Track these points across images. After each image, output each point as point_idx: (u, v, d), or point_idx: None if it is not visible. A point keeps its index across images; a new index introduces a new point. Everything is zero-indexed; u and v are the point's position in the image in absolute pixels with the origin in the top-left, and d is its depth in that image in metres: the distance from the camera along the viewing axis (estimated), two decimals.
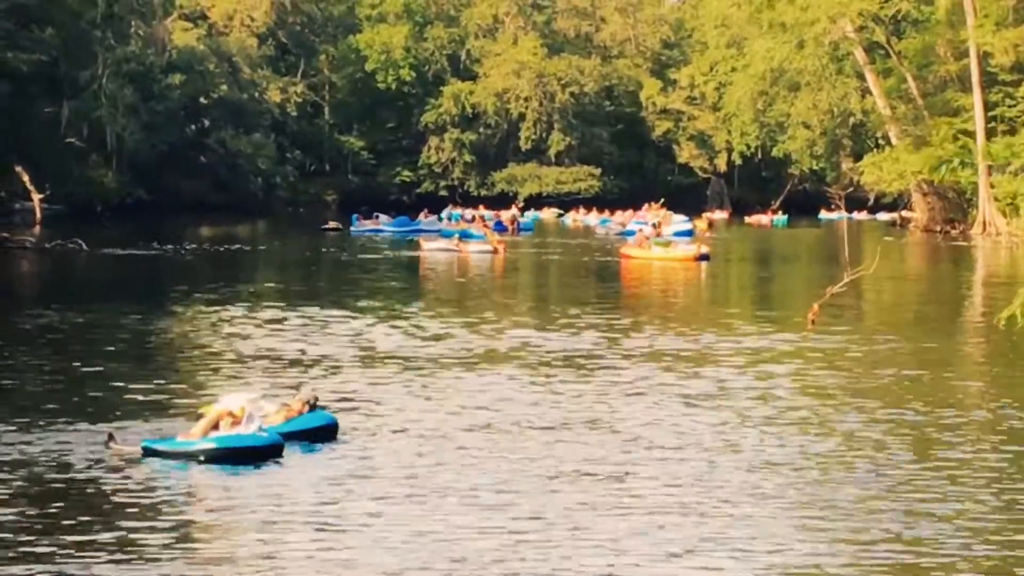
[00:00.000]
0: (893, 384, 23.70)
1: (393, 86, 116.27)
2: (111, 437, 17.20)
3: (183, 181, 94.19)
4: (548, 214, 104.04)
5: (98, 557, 12.84)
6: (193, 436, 17.03)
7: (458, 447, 17.82)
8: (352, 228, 75.83)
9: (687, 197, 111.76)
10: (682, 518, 14.49)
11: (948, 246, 69.73)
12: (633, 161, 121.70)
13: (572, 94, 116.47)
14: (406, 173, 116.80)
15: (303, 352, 26.26)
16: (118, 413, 19.51)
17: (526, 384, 22.90)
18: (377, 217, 79.94)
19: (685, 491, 15.63)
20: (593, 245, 68.09)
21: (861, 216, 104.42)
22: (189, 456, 16.74)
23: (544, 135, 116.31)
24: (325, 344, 27.50)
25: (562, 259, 58.10)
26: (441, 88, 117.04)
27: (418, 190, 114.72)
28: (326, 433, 18.06)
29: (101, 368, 24.26)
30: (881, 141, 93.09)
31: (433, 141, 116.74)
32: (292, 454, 17.13)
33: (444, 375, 23.76)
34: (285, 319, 31.94)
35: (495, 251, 57.69)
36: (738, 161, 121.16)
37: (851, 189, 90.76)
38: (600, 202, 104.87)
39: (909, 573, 12.90)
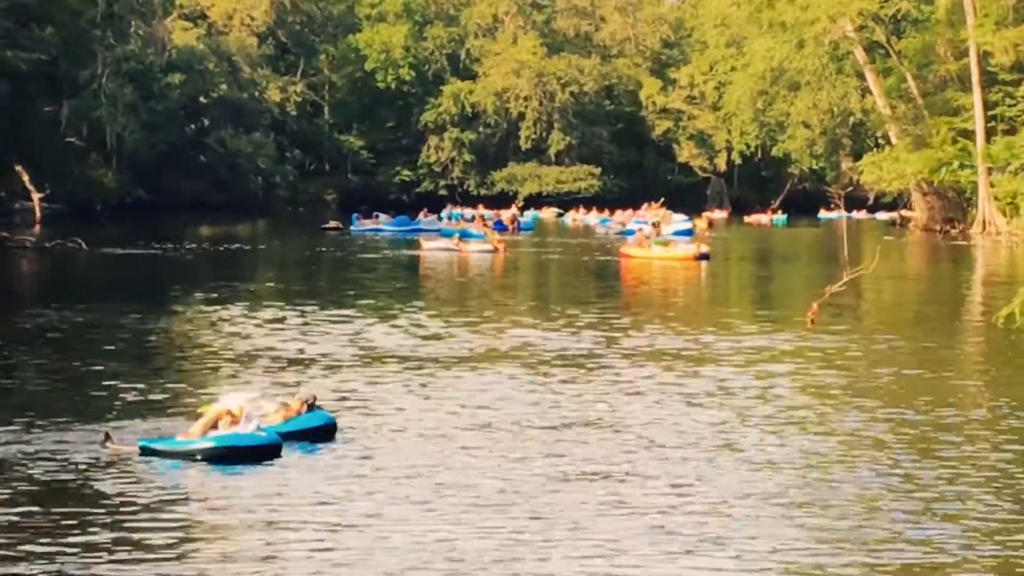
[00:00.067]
0: (893, 383, 23.69)
1: (393, 85, 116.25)
2: (107, 437, 17.19)
3: (183, 180, 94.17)
4: (548, 213, 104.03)
5: (95, 556, 12.83)
6: (191, 435, 17.02)
7: (458, 447, 17.82)
8: (352, 227, 75.82)
9: (687, 196, 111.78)
10: (682, 518, 14.49)
11: (948, 245, 69.73)
12: (633, 160, 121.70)
13: (572, 93, 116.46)
14: (406, 172, 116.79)
15: (302, 351, 26.25)
16: (117, 412, 19.51)
17: (526, 383, 22.90)
18: (377, 216, 79.93)
19: (685, 490, 15.62)
20: (593, 244, 68.09)
21: (860, 215, 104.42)
22: (187, 455, 16.73)
23: (544, 134, 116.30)
24: (324, 343, 27.50)
25: (562, 258, 58.10)
26: (441, 87, 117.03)
27: (418, 189, 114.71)
28: (325, 433, 18.04)
29: (100, 367, 24.25)
30: (881, 140, 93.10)
31: (433, 140, 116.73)
32: (290, 454, 17.12)
33: (444, 375, 23.75)
34: (285, 318, 31.94)
35: (495, 250, 57.69)
36: (738, 160, 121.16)
37: (851, 188, 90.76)
38: (600, 201, 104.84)
39: (909, 573, 12.89)
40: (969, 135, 75.50)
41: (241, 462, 16.61)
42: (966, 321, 36.08)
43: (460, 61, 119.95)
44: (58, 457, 16.71)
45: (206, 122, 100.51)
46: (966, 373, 25.90)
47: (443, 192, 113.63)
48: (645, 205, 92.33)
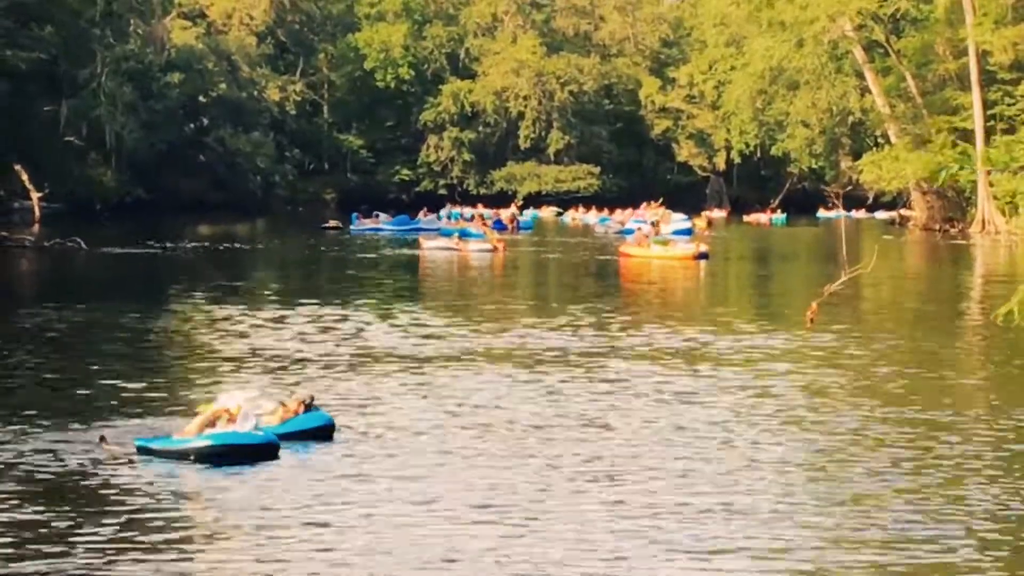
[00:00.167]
0: (892, 382, 23.69)
1: (392, 85, 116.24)
2: (103, 439, 17.19)
3: (182, 180, 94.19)
4: (547, 213, 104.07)
5: (92, 556, 12.81)
6: (187, 434, 16.99)
7: (456, 447, 17.80)
8: (352, 227, 75.85)
9: (686, 195, 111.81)
10: (681, 517, 14.47)
11: (947, 245, 69.75)
12: (632, 160, 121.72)
13: (571, 92, 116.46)
14: (405, 172, 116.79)
15: (301, 351, 26.24)
16: (115, 412, 19.49)
17: (524, 383, 22.88)
18: (377, 216, 79.94)
19: (683, 490, 15.61)
20: (592, 244, 68.10)
21: (859, 215, 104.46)
22: (184, 454, 16.68)
23: (543, 134, 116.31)
24: (323, 343, 27.49)
25: (561, 258, 58.11)
26: (440, 87, 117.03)
27: (417, 189, 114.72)
28: (322, 433, 18.01)
29: (99, 367, 24.24)
30: (880, 140, 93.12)
31: (432, 140, 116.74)
32: (288, 454, 17.09)
33: (442, 374, 23.74)
34: (284, 318, 31.92)
35: (495, 250, 57.69)
36: (737, 160, 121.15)
37: (850, 188, 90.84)
38: (599, 200, 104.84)
39: (908, 573, 12.89)
40: (968, 134, 75.52)
41: (238, 461, 16.58)
42: (965, 320, 36.09)
43: (459, 60, 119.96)
44: (56, 456, 16.70)
45: (205, 121, 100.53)
46: (965, 372, 25.90)
47: (442, 191, 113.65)
48: (644, 204, 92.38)
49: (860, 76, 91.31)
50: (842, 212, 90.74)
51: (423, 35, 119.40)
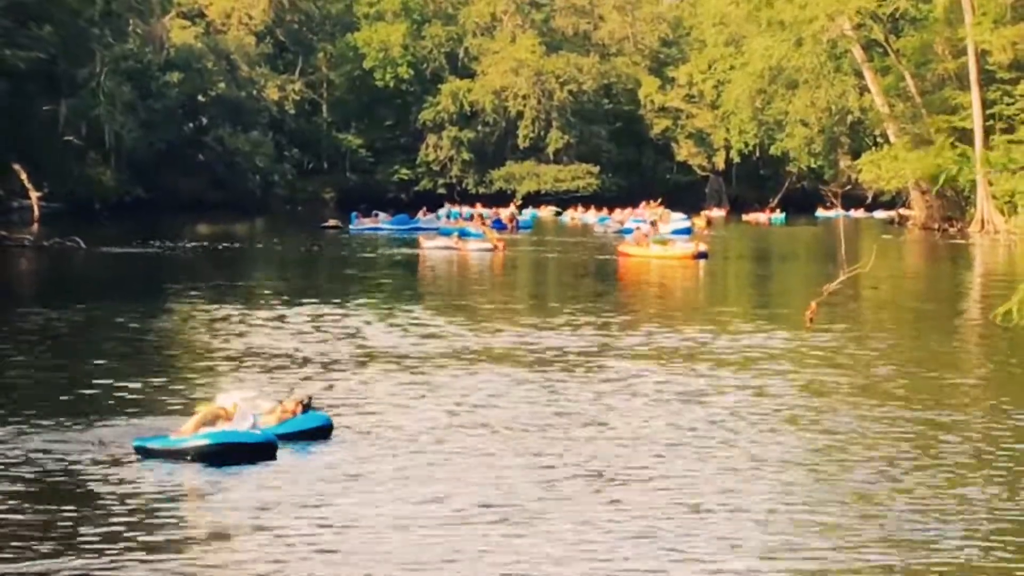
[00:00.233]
0: (891, 382, 23.69)
1: (391, 84, 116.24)
2: (101, 443, 17.19)
3: (181, 179, 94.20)
4: (546, 212, 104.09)
5: (90, 557, 12.80)
6: (184, 433, 16.97)
7: (455, 447, 17.79)
8: (351, 226, 75.88)
9: (685, 195, 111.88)
10: (679, 516, 14.46)
11: (946, 244, 69.77)
12: (631, 159, 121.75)
13: (570, 92, 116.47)
14: (404, 171, 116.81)
15: (300, 351, 26.23)
16: (114, 411, 19.47)
17: (523, 382, 22.88)
18: (376, 215, 79.96)
19: (682, 489, 15.60)
20: (591, 243, 68.12)
21: (858, 214, 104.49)
22: (181, 453, 16.65)
23: (542, 133, 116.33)
24: (322, 342, 27.49)
25: (561, 257, 58.11)
26: (439, 86, 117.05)
27: (416, 188, 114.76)
28: (320, 434, 18.00)
29: (98, 366, 24.23)
30: (879, 139, 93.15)
31: (431, 139, 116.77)
32: (286, 454, 17.07)
33: (441, 374, 23.73)
34: (283, 317, 31.92)
35: (494, 249, 57.70)
36: (736, 159, 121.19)
37: (849, 187, 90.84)
38: (598, 200, 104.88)
39: (908, 573, 12.89)
40: (967, 133, 75.52)
41: (236, 460, 16.56)
42: (964, 320, 36.09)
43: (458, 60, 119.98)
44: (54, 456, 16.68)
45: (204, 121, 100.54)
46: (965, 371, 25.90)
47: (441, 191, 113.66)
48: (643, 203, 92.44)
49: (859, 75, 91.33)
50: (840, 211, 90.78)
51: (422, 34, 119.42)
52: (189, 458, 16.55)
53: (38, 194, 73.97)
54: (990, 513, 14.74)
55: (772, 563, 12.97)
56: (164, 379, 23.00)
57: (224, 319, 31.44)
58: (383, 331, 29.65)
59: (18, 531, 13.61)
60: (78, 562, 12.65)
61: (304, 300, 35.96)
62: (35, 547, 13.06)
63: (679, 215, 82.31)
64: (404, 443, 17.92)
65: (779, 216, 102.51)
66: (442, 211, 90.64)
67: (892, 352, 27.73)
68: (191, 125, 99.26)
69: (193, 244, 61.33)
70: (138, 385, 22.08)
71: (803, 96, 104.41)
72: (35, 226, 67.69)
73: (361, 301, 36.56)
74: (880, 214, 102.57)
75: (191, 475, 16.25)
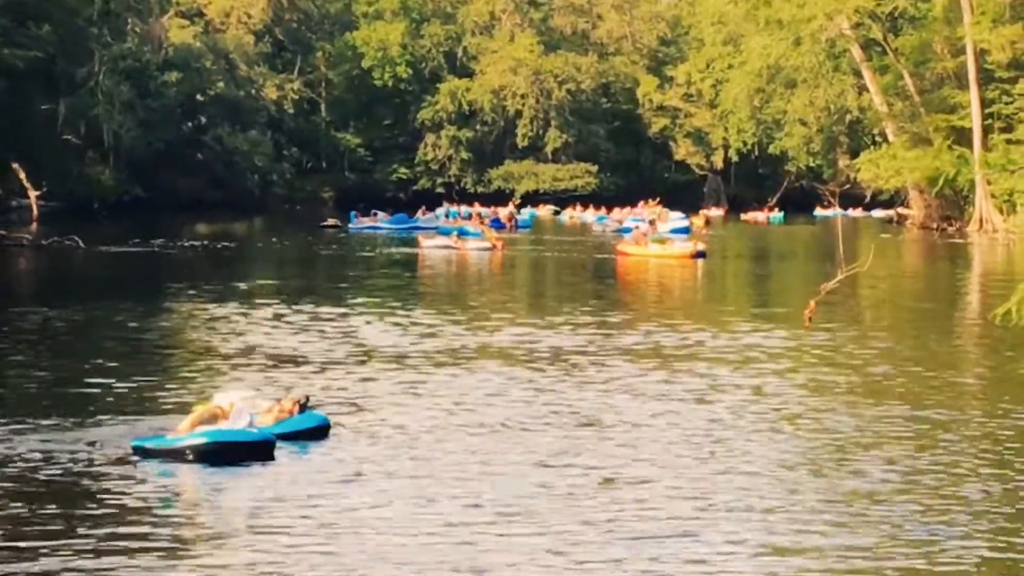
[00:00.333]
0: (890, 381, 23.69)
1: (390, 83, 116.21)
2: (99, 442, 17.18)
3: (180, 178, 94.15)
4: (544, 211, 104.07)
5: (86, 557, 12.78)
6: (180, 432, 16.95)
7: (453, 446, 17.78)
8: (350, 225, 75.90)
9: (684, 194, 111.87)
10: (678, 515, 14.44)
11: (944, 243, 69.78)
12: (630, 158, 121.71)
13: (569, 91, 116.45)
14: (403, 170, 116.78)
15: (298, 350, 26.23)
16: (112, 411, 19.46)
17: (522, 382, 22.87)
18: (375, 214, 79.95)
19: (680, 489, 15.59)
20: (590, 242, 68.12)
21: (857, 213, 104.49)
22: (179, 453, 16.63)
23: (541, 132, 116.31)
24: (321, 342, 27.49)
25: (559, 256, 58.11)
26: (438, 85, 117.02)
27: (415, 187, 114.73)
28: (318, 434, 17.99)
29: (96, 365, 24.20)
30: (878, 138, 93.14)
31: (430, 138, 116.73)
32: (283, 454, 17.06)
33: (439, 373, 23.73)
34: (281, 316, 31.92)
35: (493, 248, 57.72)
36: (735, 158, 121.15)
37: (848, 186, 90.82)
38: (597, 199, 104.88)
39: (905, 572, 12.88)
40: (966, 132, 75.51)
41: (233, 459, 16.55)
42: (963, 319, 36.09)
43: (457, 59, 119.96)
44: (51, 455, 16.66)
45: (203, 120, 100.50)
46: (963, 370, 25.90)
47: (440, 190, 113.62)
48: (642, 203, 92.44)
49: (858, 74, 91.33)
50: (839, 211, 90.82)
51: (421, 34, 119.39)
52: (189, 457, 16.53)
53: (37, 193, 73.99)
54: (989, 513, 14.74)
55: (770, 563, 12.96)
56: (163, 378, 23.00)
57: (222, 318, 31.43)
58: (381, 330, 29.65)
59: (15, 531, 13.60)
60: (76, 562, 12.64)
61: (303, 299, 35.97)
62: (33, 547, 13.05)
63: (677, 214, 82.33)
64: (402, 442, 17.92)
65: (777, 215, 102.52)
66: (440, 210, 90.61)
67: (891, 351, 27.73)
68: (190, 124, 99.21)
69: (192, 243, 61.31)
70: (136, 384, 22.07)
71: (802, 95, 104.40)
72: (34, 225, 67.69)
73: (359, 300, 36.55)
74: (878, 213, 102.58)
75: (189, 475, 16.24)
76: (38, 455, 16.71)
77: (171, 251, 55.93)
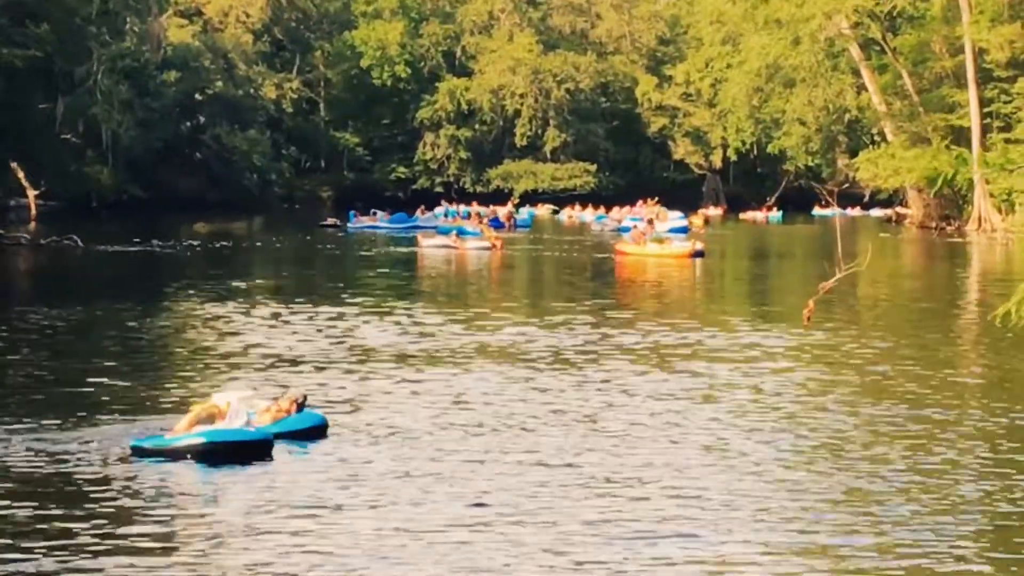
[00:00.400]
0: (889, 380, 23.69)
1: (388, 82, 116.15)
2: (97, 442, 17.16)
3: (178, 178, 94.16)
4: (543, 211, 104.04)
5: (85, 557, 12.78)
6: (177, 432, 16.94)
7: (451, 445, 17.77)
8: (350, 224, 75.88)
9: (682, 193, 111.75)
10: (676, 515, 14.45)
11: (943, 242, 69.78)
12: (629, 157, 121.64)
13: (568, 90, 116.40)
14: (401, 169, 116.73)
15: (296, 349, 26.22)
16: (111, 410, 19.46)
17: (520, 381, 22.87)
18: (375, 214, 79.95)
19: (679, 488, 15.58)
20: (589, 242, 68.12)
21: (855, 212, 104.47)
22: (177, 452, 16.63)
23: (539, 131, 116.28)
24: (319, 341, 27.48)
25: (558, 256, 58.10)
26: (436, 84, 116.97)
27: (414, 186, 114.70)
28: (315, 433, 17.97)
29: (94, 365, 24.19)
30: (876, 137, 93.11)
31: (428, 137, 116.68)
32: (281, 454, 17.06)
33: (437, 372, 23.72)
34: (280, 316, 31.92)
35: (492, 248, 57.73)
36: (733, 157, 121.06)
37: (846, 185, 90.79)
38: (596, 198, 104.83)
39: (904, 571, 12.87)
40: (964, 132, 75.50)
41: (231, 458, 16.54)
42: (961, 318, 36.08)
43: (456, 58, 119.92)
44: (50, 455, 16.65)
45: (202, 119, 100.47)
46: (962, 370, 25.89)
47: (439, 189, 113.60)
48: (640, 202, 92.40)
49: (856, 74, 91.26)
50: (837, 210, 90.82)
51: (419, 33, 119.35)
52: (187, 457, 16.53)
53: (35, 192, 74.01)
54: (987, 514, 14.73)
55: (770, 562, 12.96)
56: (161, 378, 23.00)
57: (221, 318, 31.42)
58: (379, 329, 29.64)
59: (13, 530, 13.60)
60: (74, 562, 12.64)
61: (301, 299, 35.96)
62: (31, 546, 13.04)
63: (676, 213, 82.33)
64: (400, 442, 17.91)
65: (776, 215, 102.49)
66: (439, 209, 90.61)
67: (889, 351, 27.72)
68: (188, 124, 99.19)
69: (190, 242, 61.28)
70: (134, 384, 22.07)
71: (800, 94, 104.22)
72: (32, 224, 67.73)
73: (358, 300, 36.53)
74: (877, 212, 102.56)
75: (186, 474, 16.23)
76: (36, 455, 16.70)
77: (169, 250, 55.92)
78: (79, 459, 16.54)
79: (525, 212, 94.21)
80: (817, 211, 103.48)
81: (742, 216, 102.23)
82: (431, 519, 14.20)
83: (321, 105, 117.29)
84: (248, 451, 16.75)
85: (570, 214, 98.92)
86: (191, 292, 38.65)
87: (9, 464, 16.25)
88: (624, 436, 18.45)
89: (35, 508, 14.42)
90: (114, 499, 14.89)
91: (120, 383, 22.08)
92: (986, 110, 75.59)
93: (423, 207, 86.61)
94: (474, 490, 15.40)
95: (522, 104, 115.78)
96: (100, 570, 12.46)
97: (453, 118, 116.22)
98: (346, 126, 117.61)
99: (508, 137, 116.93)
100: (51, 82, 68.50)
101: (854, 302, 37.61)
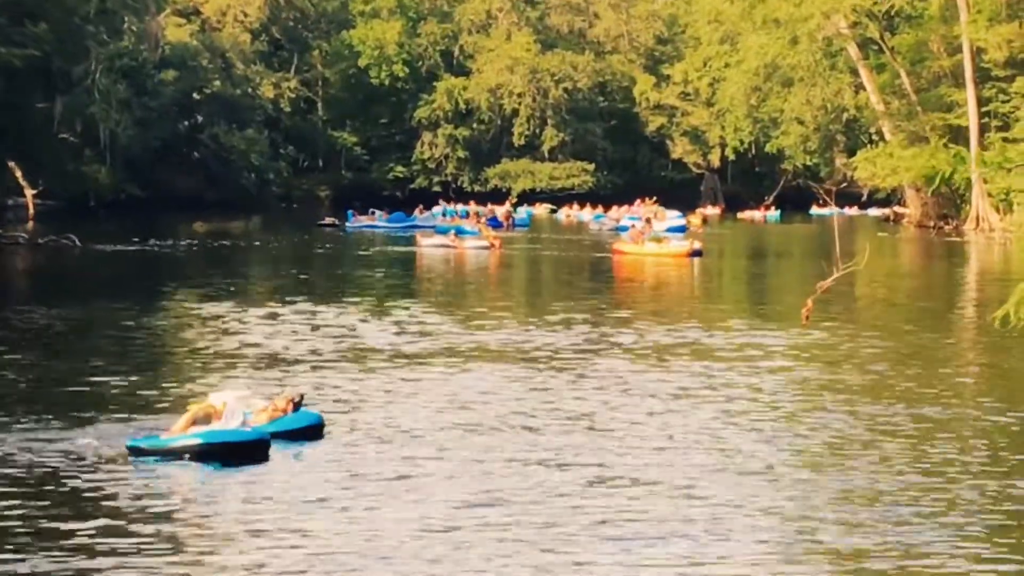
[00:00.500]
0: (888, 380, 23.67)
1: (386, 82, 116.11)
2: (94, 442, 17.14)
3: (176, 177, 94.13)
4: (541, 210, 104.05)
5: (83, 557, 12.76)
6: (174, 432, 16.91)
7: (448, 445, 17.74)
8: (348, 224, 75.85)
9: (680, 193, 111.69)
10: (674, 514, 14.42)
11: (941, 242, 69.78)
12: (627, 157, 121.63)
13: (565, 90, 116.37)
14: (399, 169, 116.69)
15: (293, 349, 26.20)
16: (108, 410, 19.42)
17: (518, 380, 22.85)
18: (373, 213, 79.92)
19: (677, 488, 15.56)
20: (587, 241, 68.12)
21: (853, 212, 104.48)
22: (174, 453, 16.60)
23: (537, 131, 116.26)
24: (317, 340, 27.45)
25: (556, 255, 58.09)
26: (434, 84, 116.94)
27: (411, 186, 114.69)
28: (312, 433, 17.95)
29: (92, 364, 24.17)
30: (875, 137, 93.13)
31: (426, 137, 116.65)
32: (277, 453, 17.03)
33: (435, 371, 23.70)
34: (278, 315, 31.89)
35: (491, 247, 57.71)
36: (731, 157, 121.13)
37: (844, 185, 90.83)
38: (593, 198, 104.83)
39: (903, 570, 12.86)
40: (962, 131, 75.51)
41: (229, 458, 16.51)
42: (960, 317, 36.08)
43: (454, 57, 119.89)
44: (46, 455, 16.61)
45: (199, 118, 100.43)
46: (960, 369, 25.87)
47: (437, 188, 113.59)
48: (638, 201, 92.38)
49: (855, 73, 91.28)
50: (835, 209, 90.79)
51: (417, 32, 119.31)
52: (186, 457, 16.52)
53: (33, 192, 73.98)
54: (986, 514, 14.71)
55: (769, 562, 12.94)
56: (158, 378, 22.97)
57: (218, 317, 31.40)
58: (377, 329, 29.62)
59: (9, 530, 13.57)
60: (71, 562, 12.61)
61: (299, 298, 35.93)
62: (27, 546, 13.01)
63: (674, 213, 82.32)
64: (397, 441, 17.89)
65: (774, 214, 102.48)
66: (438, 209, 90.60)
67: (888, 350, 27.70)
68: (186, 123, 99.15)
69: (188, 242, 61.25)
70: (132, 384, 22.03)
71: (798, 94, 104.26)
72: (30, 224, 67.70)
73: (356, 299, 36.52)
74: (875, 212, 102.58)
75: (183, 474, 16.21)
76: (32, 454, 16.67)
77: (167, 250, 55.89)
78: (75, 459, 16.51)
79: (523, 211, 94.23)
80: (815, 210, 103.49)
81: (740, 215, 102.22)
82: (429, 519, 14.17)
83: (319, 104, 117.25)
84: (244, 451, 16.73)
85: (568, 213, 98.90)
86: (189, 291, 38.62)
87: (4, 463, 16.21)
88: (623, 435, 18.43)
89: (31, 508, 14.39)
90: (110, 499, 14.86)
91: (117, 383, 22.05)
92: (984, 109, 75.61)
93: (421, 206, 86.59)
94: (472, 489, 15.38)
95: (520, 103, 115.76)
96: (96, 570, 12.43)
97: (451, 117, 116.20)
98: (344, 125, 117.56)
99: (506, 136, 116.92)
100: (49, 81, 68.46)
101: (852, 301, 37.61)
